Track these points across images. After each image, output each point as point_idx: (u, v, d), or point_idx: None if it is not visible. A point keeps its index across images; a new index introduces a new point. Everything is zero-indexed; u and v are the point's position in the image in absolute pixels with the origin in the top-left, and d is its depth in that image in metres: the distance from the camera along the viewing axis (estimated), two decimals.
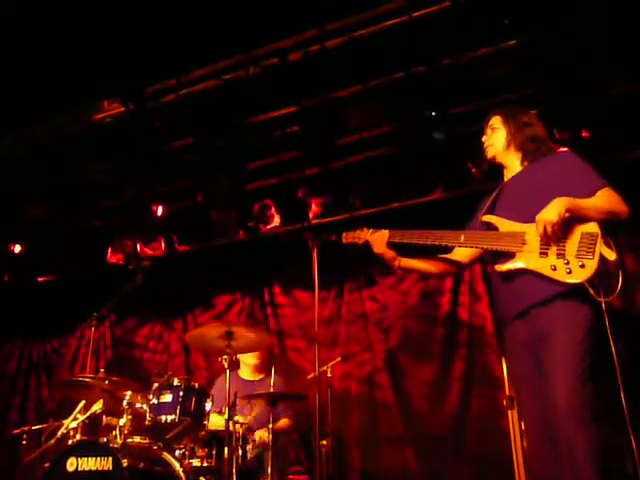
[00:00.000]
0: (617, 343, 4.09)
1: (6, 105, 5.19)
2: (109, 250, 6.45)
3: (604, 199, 2.71)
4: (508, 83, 4.83)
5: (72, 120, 5.49)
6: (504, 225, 2.89)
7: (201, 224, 6.14)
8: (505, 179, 3.11)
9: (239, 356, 5.15)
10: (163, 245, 6.22)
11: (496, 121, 3.12)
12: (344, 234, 3.27)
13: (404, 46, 4.62)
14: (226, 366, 4.02)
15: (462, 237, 2.96)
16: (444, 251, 3.17)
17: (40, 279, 6.94)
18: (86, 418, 4.15)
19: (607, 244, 2.64)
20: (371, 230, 3.16)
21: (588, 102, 4.78)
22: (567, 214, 2.64)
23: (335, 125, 5.26)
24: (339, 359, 5.13)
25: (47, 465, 3.76)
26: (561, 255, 2.65)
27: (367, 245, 3.17)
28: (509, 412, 4.21)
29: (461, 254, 3.15)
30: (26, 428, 4.87)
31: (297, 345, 6.28)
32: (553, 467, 2.60)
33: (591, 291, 2.59)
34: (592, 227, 2.65)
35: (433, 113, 4.91)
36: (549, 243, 2.68)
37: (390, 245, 3.08)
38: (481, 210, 3.07)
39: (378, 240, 3.09)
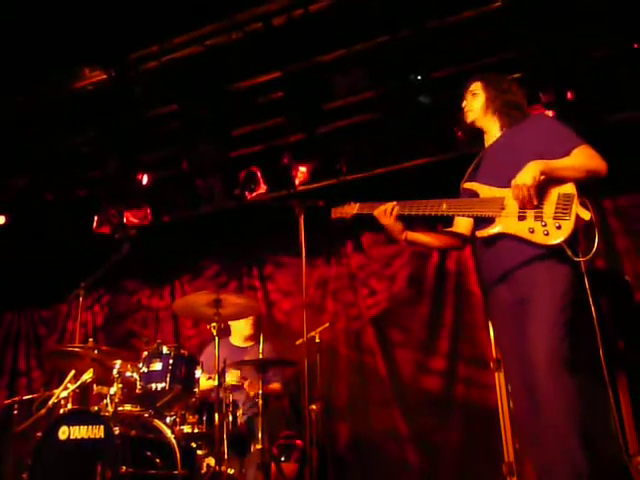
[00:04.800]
0: (600, 301, 4.17)
1: None
2: (95, 220, 6.41)
3: (580, 157, 2.74)
4: (493, 46, 4.80)
5: (53, 88, 5.40)
6: (484, 191, 2.92)
7: (187, 192, 6.11)
8: (485, 144, 3.14)
9: (230, 323, 5.19)
10: (149, 214, 6.20)
11: (476, 87, 3.14)
12: (332, 209, 3.25)
13: (389, 10, 4.57)
14: (215, 333, 4.04)
15: (444, 205, 2.97)
16: (445, 222, 3.18)
17: (26, 250, 6.91)
18: (76, 387, 4.17)
19: (583, 204, 2.67)
20: (358, 204, 3.15)
21: (573, 64, 4.76)
22: (542, 177, 2.67)
23: (320, 91, 5.21)
24: (327, 325, 5.16)
25: (39, 434, 3.78)
26: (539, 217, 2.69)
27: (355, 219, 3.17)
28: (496, 374, 4.28)
29: (462, 226, 3.16)
30: (17, 398, 4.88)
31: (286, 311, 6.32)
32: (535, 424, 2.65)
33: (568, 252, 2.62)
34: (568, 188, 2.68)
35: (419, 77, 4.88)
36: (525, 206, 2.70)
37: (397, 217, 3.04)
38: (464, 178, 3.09)
39: (386, 212, 3.03)
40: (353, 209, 3.16)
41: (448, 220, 3.21)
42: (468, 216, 3.00)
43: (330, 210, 3.25)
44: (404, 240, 3.10)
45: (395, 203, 3.03)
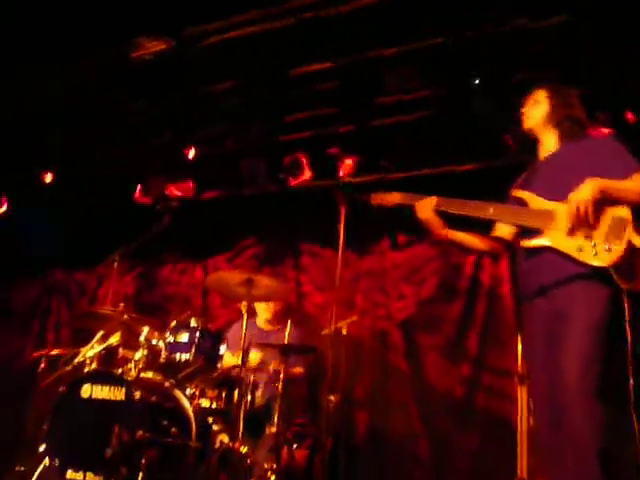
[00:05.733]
0: (635, 330, 4.09)
1: (43, 40, 5.17)
2: (138, 189, 6.49)
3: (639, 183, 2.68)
4: (553, 58, 4.72)
5: (111, 56, 5.46)
6: (534, 202, 2.86)
7: (232, 171, 6.14)
8: (540, 156, 3.08)
9: (257, 305, 5.22)
10: (192, 188, 6.25)
11: (540, 95, 3.08)
12: (373, 195, 3.24)
13: (452, 9, 4.52)
14: (244, 312, 4.07)
15: (491, 210, 2.94)
16: (482, 227, 3.14)
17: (68, 212, 7.03)
18: (103, 349, 4.24)
19: (637, 230, 2.60)
20: (400, 194, 3.14)
21: (634, 84, 4.67)
22: (599, 195, 2.61)
23: (375, 84, 5.20)
24: (355, 318, 5.16)
25: (62, 389, 3.87)
26: (589, 237, 2.63)
27: (395, 209, 3.16)
28: (519, 388, 4.24)
29: (504, 230, 3.11)
30: (45, 352, 4.98)
31: (315, 299, 6.33)
32: (556, 444, 2.62)
33: (614, 276, 2.56)
34: (623, 212, 2.62)
35: (477, 81, 4.83)
36: (578, 224, 2.64)
37: (438, 213, 3.03)
38: (515, 186, 3.05)
39: (425, 206, 3.03)
40: (395, 198, 3.14)
41: (486, 226, 3.15)
42: (514, 224, 2.96)
43: (370, 197, 3.23)
44: (445, 236, 3.06)
45: (435, 198, 3.01)
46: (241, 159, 6.02)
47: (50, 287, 7.60)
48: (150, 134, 6.11)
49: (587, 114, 3.11)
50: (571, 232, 2.68)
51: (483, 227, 3.15)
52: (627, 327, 2.64)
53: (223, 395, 4.25)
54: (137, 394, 3.65)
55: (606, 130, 4.72)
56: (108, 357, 4.34)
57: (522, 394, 4.21)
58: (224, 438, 4.14)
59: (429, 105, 5.24)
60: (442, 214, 3.02)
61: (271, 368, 4.50)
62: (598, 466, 2.44)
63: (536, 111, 3.06)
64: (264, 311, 5.27)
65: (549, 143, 3.04)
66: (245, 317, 4.12)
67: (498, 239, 3.13)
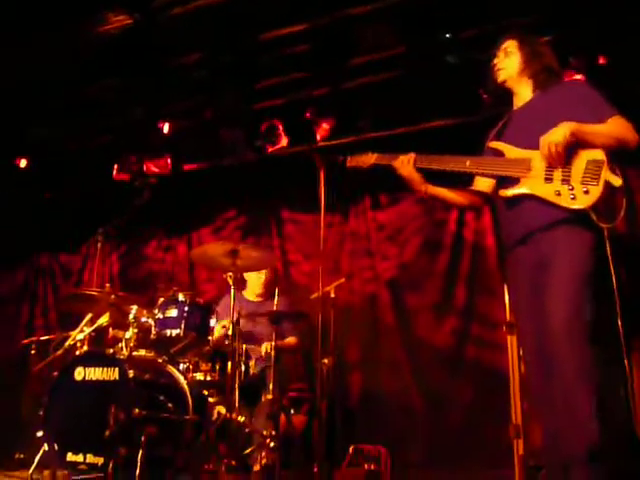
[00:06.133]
0: (619, 270, 4.14)
1: (6, 19, 5.04)
2: (115, 167, 6.42)
3: (613, 126, 2.69)
4: (524, 7, 4.68)
5: (75, 32, 5.34)
6: (510, 151, 2.86)
7: (208, 143, 6.08)
8: (514, 107, 3.06)
9: (248, 277, 5.22)
10: (169, 163, 6.19)
11: (511, 45, 3.03)
12: (349, 157, 3.21)
13: None
14: (231, 283, 4.06)
15: (468, 162, 2.92)
16: (463, 180, 3.13)
17: (46, 195, 6.96)
18: (93, 331, 4.23)
19: (613, 170, 2.62)
20: (376, 154, 3.12)
21: (605, 29, 4.65)
22: (572, 137, 2.62)
23: (346, 45, 5.13)
24: (343, 280, 5.17)
25: (55, 374, 3.87)
26: (566, 181, 2.64)
27: (372, 169, 3.13)
28: (508, 338, 4.28)
29: (483, 184, 3.11)
30: (35, 338, 4.98)
31: (301, 265, 6.35)
32: (547, 390, 2.65)
33: (594, 217, 2.58)
34: (598, 154, 2.63)
35: (447, 35, 4.78)
36: (553, 168, 2.66)
37: (418, 169, 3.01)
38: (489, 137, 3.03)
39: (404, 163, 3.01)
40: (371, 159, 3.12)
41: (466, 180, 3.14)
42: (492, 175, 2.96)
43: (346, 159, 3.21)
44: (425, 192, 3.05)
45: (413, 154, 3.00)
46: (217, 130, 5.96)
47: (35, 272, 7.55)
48: (122, 111, 6.02)
49: (559, 60, 3.09)
50: (548, 178, 2.69)
51: (464, 182, 3.15)
52: (611, 268, 2.66)
53: (217, 367, 4.28)
54: (131, 373, 3.66)
55: (579, 76, 4.71)
56: (98, 338, 4.34)
57: (512, 343, 4.25)
58: (221, 409, 4.17)
59: (402, 63, 5.19)
60: (421, 170, 3.01)
61: (262, 350, 4.53)
62: (590, 409, 2.47)
63: (509, 63, 3.01)
64: (256, 281, 5.27)
65: (524, 93, 3.01)
66: (233, 289, 4.12)
67: (478, 192, 3.13)
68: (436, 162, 2.96)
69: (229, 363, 3.98)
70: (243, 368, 4.37)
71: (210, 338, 4.25)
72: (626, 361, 2.68)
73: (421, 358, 5.61)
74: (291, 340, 5.00)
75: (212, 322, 4.28)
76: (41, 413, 3.74)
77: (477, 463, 4.99)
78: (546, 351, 2.61)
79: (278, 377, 4.32)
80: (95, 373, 3.74)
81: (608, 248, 2.62)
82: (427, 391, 5.48)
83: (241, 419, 4.08)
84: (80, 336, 4.22)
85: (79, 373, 3.78)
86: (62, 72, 5.66)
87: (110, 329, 4.24)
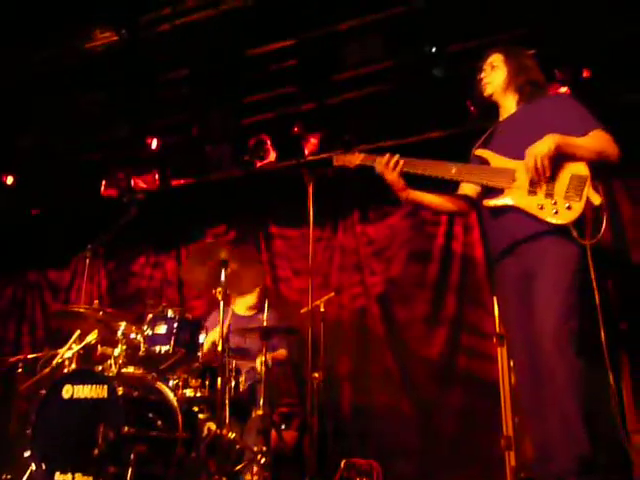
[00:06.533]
0: (605, 282, 4.16)
1: None
2: (103, 183, 6.40)
3: (596, 139, 2.72)
4: (509, 21, 4.73)
5: (62, 47, 5.34)
6: (496, 160, 2.88)
7: (196, 158, 6.08)
8: (500, 118, 3.09)
9: None
10: (157, 178, 6.18)
11: (497, 59, 3.07)
12: (335, 156, 3.20)
13: None
14: (220, 298, 4.04)
15: (453, 169, 2.94)
16: (449, 186, 3.13)
17: (34, 211, 6.93)
18: (81, 348, 4.20)
19: (595, 188, 2.64)
20: (363, 154, 3.11)
21: (590, 43, 4.70)
22: (558, 150, 2.64)
23: (333, 60, 5.16)
24: (332, 294, 5.16)
25: (43, 392, 3.82)
26: (549, 195, 2.67)
27: (358, 169, 3.12)
28: (498, 349, 4.29)
29: (469, 188, 3.12)
30: (22, 357, 4.93)
31: (290, 280, 6.33)
32: (538, 401, 2.66)
33: (574, 233, 2.60)
34: (582, 169, 2.65)
35: (433, 49, 4.82)
36: (538, 181, 2.67)
37: (400, 174, 3.00)
38: (475, 147, 3.06)
39: (389, 167, 2.98)
40: (357, 159, 3.11)
41: (452, 186, 3.13)
42: (477, 183, 2.98)
43: (333, 158, 3.19)
44: (406, 198, 3.04)
45: (399, 156, 2.99)
46: (205, 145, 5.96)
47: (23, 288, 7.49)
48: (110, 126, 6.01)
49: (544, 73, 3.12)
50: (532, 190, 2.71)
51: (448, 188, 3.14)
52: (594, 282, 2.67)
53: (207, 383, 4.25)
54: (120, 390, 3.62)
55: (564, 88, 4.75)
56: (87, 355, 4.30)
57: (502, 354, 4.26)
58: (211, 426, 4.14)
59: (388, 77, 5.22)
60: (405, 175, 3.00)
61: (258, 365, 4.51)
62: (580, 418, 2.48)
63: (495, 76, 3.05)
64: (248, 296, 5.24)
65: (510, 105, 3.05)
66: (222, 303, 4.10)
67: (464, 197, 3.14)
68: (421, 167, 2.97)
69: (219, 379, 3.96)
70: (233, 384, 4.34)
71: (200, 354, 4.23)
72: (610, 370, 2.68)
73: (412, 370, 5.59)
74: (281, 353, 4.98)
75: (201, 338, 4.25)
76: (28, 432, 3.70)
77: (469, 475, 4.98)
78: (536, 361, 2.62)
79: (268, 392, 4.29)
80: (83, 391, 3.70)
81: (590, 263, 2.63)
82: (419, 403, 5.46)
83: (232, 435, 4.05)
84: (68, 354, 4.18)
85: (67, 391, 3.73)
86: (49, 87, 5.66)
87: (99, 346, 4.21)
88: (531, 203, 2.70)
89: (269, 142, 5.74)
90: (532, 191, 2.71)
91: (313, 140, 5.60)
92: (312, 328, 3.67)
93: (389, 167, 2.98)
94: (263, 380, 4.26)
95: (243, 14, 4.88)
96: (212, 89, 5.37)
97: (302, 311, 4.98)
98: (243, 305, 5.29)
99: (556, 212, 2.63)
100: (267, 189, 6.27)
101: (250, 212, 6.61)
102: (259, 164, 5.78)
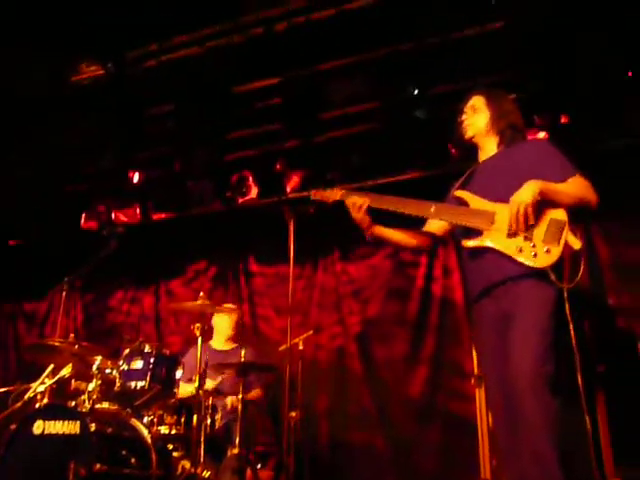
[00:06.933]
0: (582, 324, 4.19)
1: None
2: (83, 215, 6.37)
3: (575, 186, 2.76)
4: (491, 66, 4.83)
5: (48, 80, 5.36)
6: (475, 202, 2.90)
7: (178, 193, 6.09)
8: (480, 160, 3.13)
9: (217, 321, 5.19)
10: (138, 212, 6.17)
11: (478, 101, 3.10)
12: (313, 191, 3.19)
13: (391, 21, 4.60)
14: (198, 334, 4.01)
15: (433, 208, 2.96)
16: (417, 223, 3.16)
17: (11, 242, 6.86)
18: (54, 382, 4.12)
19: (574, 232, 2.67)
20: (342, 191, 3.09)
21: (569, 89, 4.81)
22: (540, 196, 2.67)
23: (317, 99, 5.23)
24: (311, 332, 5.15)
25: (13, 427, 3.74)
26: (528, 238, 2.69)
27: (336, 205, 3.11)
28: (476, 390, 4.29)
29: (435, 226, 3.14)
30: None
31: (269, 316, 6.30)
32: (514, 441, 2.65)
33: (552, 277, 2.62)
34: (560, 214, 2.69)
35: (416, 91, 4.91)
36: (518, 225, 2.69)
37: (368, 211, 3.00)
38: (454, 187, 3.09)
39: (357, 204, 2.99)
40: (336, 195, 3.09)
41: (419, 221, 3.15)
42: (455, 224, 2.99)
43: (311, 192, 3.19)
44: (370, 235, 3.04)
45: (367, 199, 2.98)
46: (187, 180, 5.97)
47: None
48: (92, 159, 6.01)
49: (524, 117, 3.18)
50: (511, 233, 2.73)
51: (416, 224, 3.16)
52: (570, 324, 2.70)
53: (182, 420, 4.18)
54: (92, 426, 3.55)
55: (542, 134, 4.85)
56: (60, 390, 4.22)
57: (480, 395, 4.26)
58: (186, 464, 4.06)
59: (371, 118, 5.29)
60: (378, 211, 3.00)
61: (228, 403, 4.47)
62: (555, 462, 2.47)
63: (477, 119, 3.08)
64: (224, 329, 5.23)
65: (490, 148, 3.08)
66: (200, 339, 4.07)
67: (427, 234, 3.16)
68: (401, 206, 2.98)
69: (195, 416, 3.90)
70: (209, 421, 4.28)
71: (175, 391, 4.17)
72: (587, 412, 2.69)
73: (390, 409, 5.56)
74: (256, 392, 4.93)
75: (178, 374, 4.20)
76: None
77: None
78: (512, 402, 2.62)
79: (244, 431, 4.24)
80: (55, 426, 3.62)
81: (567, 306, 2.65)
82: (397, 442, 5.42)
83: (206, 474, 3.98)
84: (41, 388, 4.10)
85: (38, 426, 3.65)
86: (32, 117, 5.66)
87: (72, 380, 4.13)
88: (510, 245, 2.72)
89: (251, 178, 5.76)
90: (511, 234, 2.73)
91: (295, 177, 5.64)
92: (290, 366, 3.64)
93: (355, 207, 3.00)
94: (239, 418, 4.21)
95: (229, 51, 4.95)
96: (197, 125, 5.40)
97: (280, 349, 4.95)
98: (221, 338, 5.26)
99: (535, 255, 2.65)
100: (248, 225, 6.28)
101: (231, 248, 6.61)
102: (241, 200, 5.80)
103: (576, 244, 2.65)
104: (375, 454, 5.45)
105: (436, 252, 5.76)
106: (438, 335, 5.60)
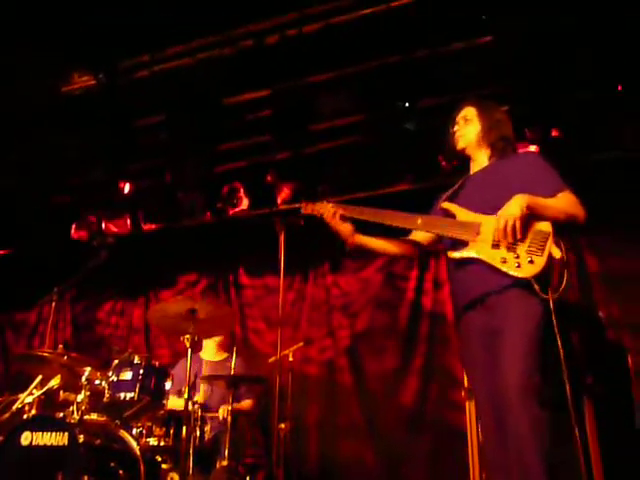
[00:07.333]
0: (570, 336, 4.20)
1: None
2: (73, 226, 6.35)
3: (564, 201, 2.78)
4: (480, 79, 4.86)
5: (40, 90, 5.36)
6: (461, 214, 2.92)
7: (168, 204, 6.08)
8: (471, 171, 3.14)
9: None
10: (129, 223, 6.15)
11: (470, 112, 3.12)
12: (304, 204, 3.21)
13: (381, 35, 4.63)
14: (188, 345, 4.00)
15: (419, 220, 2.99)
16: (404, 234, 3.18)
17: (0, 252, 6.83)
18: (42, 393, 4.09)
19: (557, 244, 2.69)
20: (332, 204, 3.11)
21: (559, 102, 4.85)
22: (528, 210, 2.68)
23: (308, 111, 5.25)
24: (301, 344, 5.14)
25: (1, 438, 3.71)
26: (512, 249, 2.70)
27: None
28: (467, 403, 4.28)
29: (421, 236, 3.16)
30: None
31: (259, 328, 6.29)
32: (502, 453, 2.65)
33: (536, 287, 2.63)
34: (545, 225, 2.71)
35: (406, 104, 4.93)
36: (506, 238, 2.69)
37: (347, 220, 3.03)
38: (441, 199, 3.10)
39: (330, 214, 3.03)
40: (324, 208, 3.10)
41: (403, 231, 3.17)
42: (442, 235, 3.01)
43: (302, 205, 3.21)
44: (352, 243, 3.07)
45: (337, 210, 3.02)
46: (178, 191, 5.97)
47: None
48: (83, 170, 6.00)
49: (515, 130, 3.19)
50: (495, 244, 2.75)
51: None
52: (557, 335, 2.70)
53: (171, 432, 4.17)
54: (81, 438, 3.53)
55: (533, 147, 4.88)
56: (48, 401, 4.19)
57: (471, 408, 4.25)
58: (174, 476, 4.04)
59: (362, 130, 5.31)
60: (365, 224, 3.03)
61: (220, 415, 4.45)
62: (542, 474, 2.47)
63: (468, 130, 3.10)
64: (216, 338, 5.20)
65: (481, 159, 3.10)
66: (189, 350, 4.05)
67: (410, 242, 3.18)
68: (388, 218, 3.00)
69: (184, 428, 3.88)
70: (198, 433, 4.26)
71: (165, 402, 4.15)
72: (575, 424, 2.69)
73: (380, 420, 5.55)
74: (247, 403, 4.92)
75: (167, 386, 4.18)
76: None
77: None
78: (500, 414, 2.62)
79: (233, 443, 4.22)
80: (43, 438, 3.60)
81: (554, 317, 2.66)
82: (386, 454, 5.40)
83: None
84: (29, 399, 4.07)
85: (26, 438, 3.62)
86: (22, 128, 5.65)
87: (61, 392, 4.11)
88: (494, 256, 2.74)
89: (242, 190, 5.77)
90: (495, 244, 2.75)
91: (286, 189, 5.64)
92: (280, 378, 3.63)
93: (329, 216, 3.04)
94: (228, 430, 4.19)
95: (220, 63, 4.97)
96: (187, 136, 5.41)
97: (270, 360, 4.94)
98: (211, 349, 5.24)
99: (518, 265, 2.67)
100: (239, 237, 6.27)
101: (222, 259, 6.60)
102: (231, 211, 5.80)
103: (557, 254, 2.66)
104: (365, 466, 5.43)
105: (427, 265, 5.78)
106: (428, 347, 5.60)
